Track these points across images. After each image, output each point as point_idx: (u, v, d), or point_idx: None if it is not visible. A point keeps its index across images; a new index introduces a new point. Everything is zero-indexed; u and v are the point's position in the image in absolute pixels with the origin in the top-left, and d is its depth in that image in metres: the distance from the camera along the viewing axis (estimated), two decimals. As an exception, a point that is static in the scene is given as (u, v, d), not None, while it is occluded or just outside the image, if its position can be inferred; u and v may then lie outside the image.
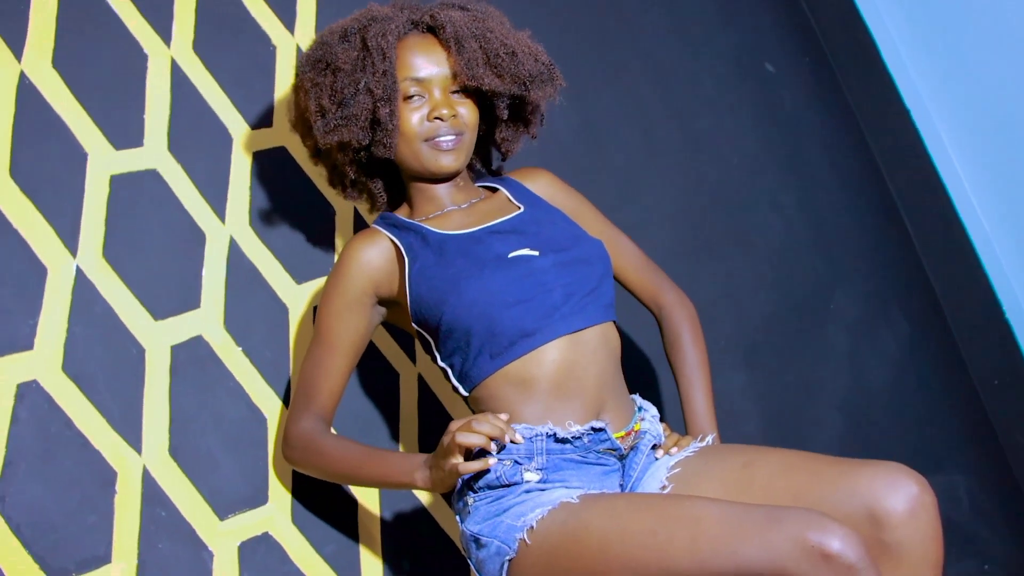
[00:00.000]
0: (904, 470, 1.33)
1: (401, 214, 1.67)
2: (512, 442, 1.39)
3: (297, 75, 1.64)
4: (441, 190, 1.64)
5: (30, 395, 1.54)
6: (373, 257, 1.57)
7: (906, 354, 2.72)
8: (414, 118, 1.56)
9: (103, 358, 1.61)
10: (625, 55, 2.47)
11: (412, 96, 1.56)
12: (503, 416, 1.40)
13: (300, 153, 1.85)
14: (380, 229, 1.61)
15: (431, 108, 1.56)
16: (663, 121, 2.48)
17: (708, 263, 2.38)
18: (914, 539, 1.30)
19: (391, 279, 1.57)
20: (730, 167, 2.56)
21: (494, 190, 1.70)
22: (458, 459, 1.36)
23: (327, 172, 1.72)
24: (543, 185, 1.71)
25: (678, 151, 2.47)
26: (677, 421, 1.77)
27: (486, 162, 1.80)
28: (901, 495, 1.31)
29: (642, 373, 2.17)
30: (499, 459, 1.42)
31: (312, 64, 1.58)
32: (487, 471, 1.41)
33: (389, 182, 1.72)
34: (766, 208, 2.58)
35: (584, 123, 2.31)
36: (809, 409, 2.44)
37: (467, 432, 1.35)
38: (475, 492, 1.44)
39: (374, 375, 1.82)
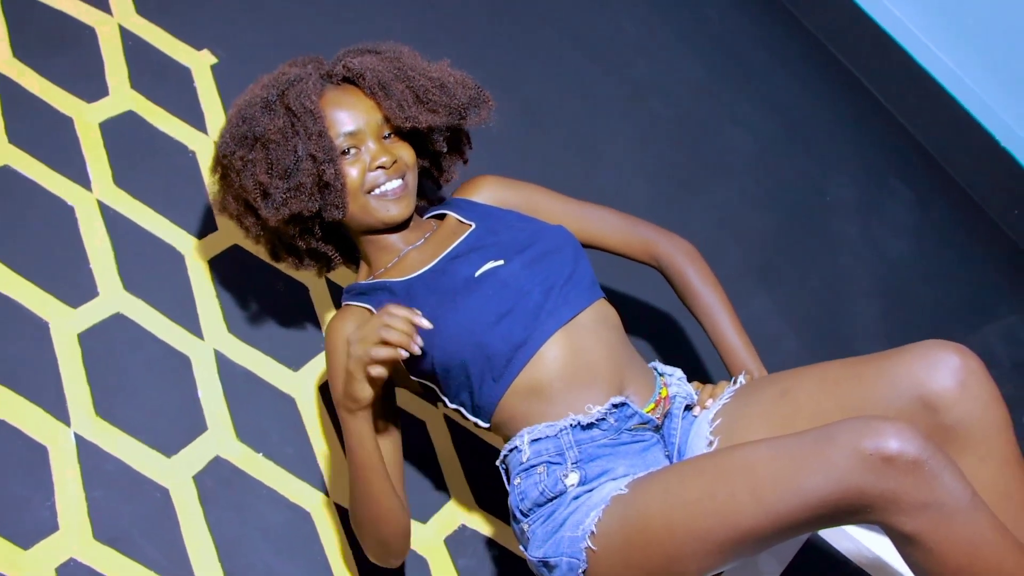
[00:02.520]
0: (940, 344, 1.27)
1: (361, 278, 1.63)
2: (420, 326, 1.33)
3: (221, 156, 1.56)
4: (393, 237, 1.59)
5: (72, 574, 1.51)
6: (350, 327, 1.51)
7: (919, 217, 2.65)
8: (353, 173, 1.51)
9: (131, 512, 1.58)
10: (541, 27, 2.43)
11: (347, 151, 1.51)
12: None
13: (249, 243, 1.82)
14: (350, 303, 1.56)
15: (370, 159, 1.52)
16: (599, 80, 2.43)
17: (692, 201, 2.33)
18: (974, 411, 1.24)
19: None
20: (680, 101, 2.51)
21: (442, 216, 1.65)
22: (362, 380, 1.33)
23: (268, 248, 1.67)
24: (488, 192, 1.66)
25: (623, 104, 2.42)
26: (716, 370, 1.72)
27: (425, 194, 1.76)
28: (944, 371, 1.25)
29: (663, 338, 2.11)
30: (532, 468, 1.39)
31: (238, 142, 1.51)
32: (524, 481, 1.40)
33: (339, 242, 1.67)
34: (730, 127, 2.52)
35: (522, 108, 2.27)
36: (841, 306, 2.37)
37: (371, 351, 1.30)
38: (527, 516, 1.39)
39: (403, 431, 1.78)
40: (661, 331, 2.10)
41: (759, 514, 1.13)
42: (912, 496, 1.06)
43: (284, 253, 1.66)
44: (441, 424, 1.81)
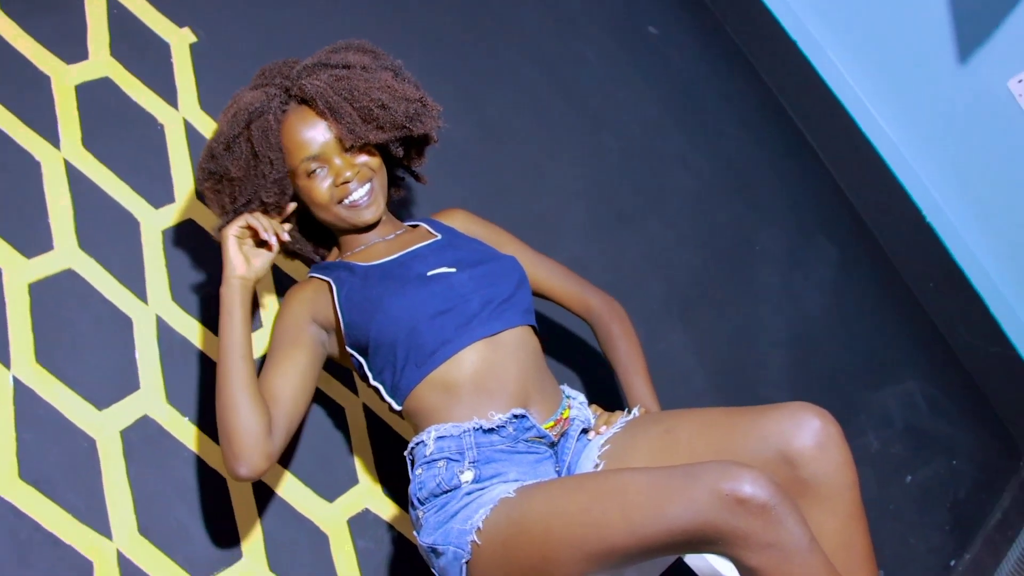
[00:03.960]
0: (806, 407, 1.42)
1: (330, 258, 1.82)
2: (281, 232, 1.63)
3: (197, 183, 1.76)
4: (362, 233, 1.78)
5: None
6: (307, 294, 1.70)
7: (840, 277, 2.81)
8: (323, 188, 1.68)
9: (58, 458, 1.67)
10: (506, 50, 2.54)
11: (314, 171, 1.68)
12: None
13: (207, 221, 1.93)
14: (313, 275, 1.76)
15: (335, 175, 1.68)
16: (556, 104, 2.56)
17: (627, 233, 2.46)
18: (827, 470, 1.38)
19: (326, 309, 1.68)
20: (632, 135, 2.64)
21: (415, 226, 1.84)
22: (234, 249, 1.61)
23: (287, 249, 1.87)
24: (459, 221, 1.87)
25: (577, 130, 2.55)
26: (608, 405, 1.85)
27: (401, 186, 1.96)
28: (807, 432, 1.40)
29: (576, 367, 2.25)
30: (433, 462, 1.52)
31: (207, 176, 1.70)
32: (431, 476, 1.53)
33: (316, 235, 1.86)
34: (676, 167, 2.66)
35: (480, 123, 2.39)
36: (753, 352, 2.52)
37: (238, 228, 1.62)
38: (423, 504, 1.52)
39: (322, 414, 1.90)
40: (578, 362, 2.24)
41: (626, 533, 1.26)
42: (758, 535, 1.19)
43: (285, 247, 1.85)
44: (359, 412, 1.93)
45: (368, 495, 1.87)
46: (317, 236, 1.87)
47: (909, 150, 2.88)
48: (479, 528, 1.41)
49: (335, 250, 1.83)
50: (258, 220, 1.64)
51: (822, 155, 2.99)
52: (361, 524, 1.84)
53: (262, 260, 1.64)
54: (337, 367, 1.93)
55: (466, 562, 1.42)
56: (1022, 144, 2.67)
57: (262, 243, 1.66)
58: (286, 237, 1.67)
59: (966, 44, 2.67)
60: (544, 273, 1.89)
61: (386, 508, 1.87)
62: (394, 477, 1.90)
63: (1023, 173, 2.70)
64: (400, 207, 2.13)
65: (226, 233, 1.63)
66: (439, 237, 1.78)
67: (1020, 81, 2.62)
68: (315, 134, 1.67)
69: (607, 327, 1.85)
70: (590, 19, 2.76)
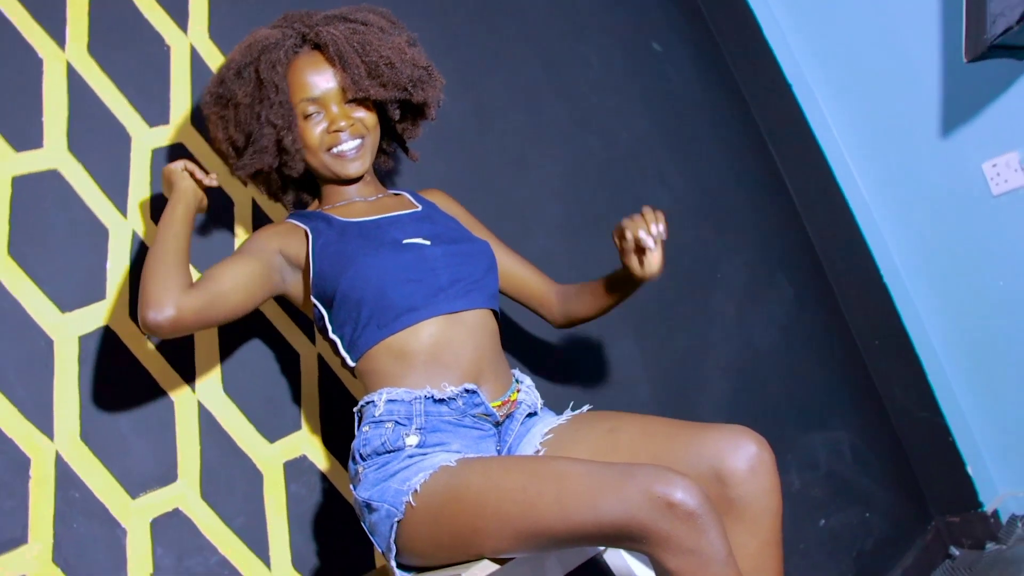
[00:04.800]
0: (745, 432, 1.48)
1: (310, 209, 1.85)
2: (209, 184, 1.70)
3: (203, 108, 1.79)
4: (348, 187, 1.82)
5: (-58, 390, 1.62)
6: (282, 230, 1.74)
7: (792, 318, 2.88)
8: (316, 132, 1.73)
9: (13, 351, 1.69)
10: (513, 37, 2.59)
11: (311, 114, 1.72)
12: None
13: (197, 149, 1.95)
14: (290, 220, 1.79)
15: (330, 122, 1.73)
16: (551, 101, 2.60)
17: (596, 237, 2.51)
18: (755, 493, 1.45)
19: (298, 252, 1.72)
20: (618, 144, 2.70)
21: (398, 195, 1.88)
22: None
23: (259, 190, 1.89)
24: (440, 200, 1.92)
25: (566, 129, 2.60)
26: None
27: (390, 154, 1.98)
28: (742, 455, 1.46)
29: (548, 340, 2.30)
30: (380, 423, 1.56)
31: (214, 100, 1.74)
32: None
33: (304, 184, 1.88)
34: (654, 182, 2.72)
35: (475, 106, 2.43)
36: (698, 373, 2.59)
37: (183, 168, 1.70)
38: (364, 460, 1.56)
39: (276, 357, 1.93)
40: (531, 348, 2.29)
41: (557, 517, 1.32)
42: (681, 540, 1.25)
43: (260, 189, 1.86)
44: (313, 362, 1.96)
45: (307, 443, 1.91)
46: (301, 184, 1.90)
47: (879, 210, 2.96)
48: (416, 491, 1.45)
49: (315, 201, 1.87)
50: (194, 164, 1.72)
51: (796, 199, 3.07)
52: (296, 469, 1.88)
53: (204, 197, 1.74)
54: (299, 315, 1.97)
55: (398, 521, 1.47)
56: (986, 225, 2.76)
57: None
58: (215, 183, 1.73)
59: (951, 120, 2.75)
60: (511, 262, 1.94)
61: (322, 459, 1.91)
62: (335, 431, 1.94)
63: (983, 252, 2.79)
64: (385, 177, 2.17)
65: (167, 169, 1.72)
66: (419, 208, 1.83)
67: (994, 165, 2.71)
68: (320, 79, 1.71)
69: (567, 289, 1.92)
70: (598, 24, 2.80)
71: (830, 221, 3.04)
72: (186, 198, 1.67)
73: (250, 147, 1.71)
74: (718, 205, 2.85)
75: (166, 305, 1.49)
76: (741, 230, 2.88)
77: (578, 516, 1.30)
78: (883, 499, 2.86)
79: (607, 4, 2.85)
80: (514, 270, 1.94)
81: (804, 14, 2.98)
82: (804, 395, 2.84)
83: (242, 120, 1.70)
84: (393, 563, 1.51)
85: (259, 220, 2.01)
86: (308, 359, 1.96)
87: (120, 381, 1.77)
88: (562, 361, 2.32)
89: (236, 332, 1.89)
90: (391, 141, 1.97)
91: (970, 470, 2.89)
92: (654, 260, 1.70)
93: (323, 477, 1.90)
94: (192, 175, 1.72)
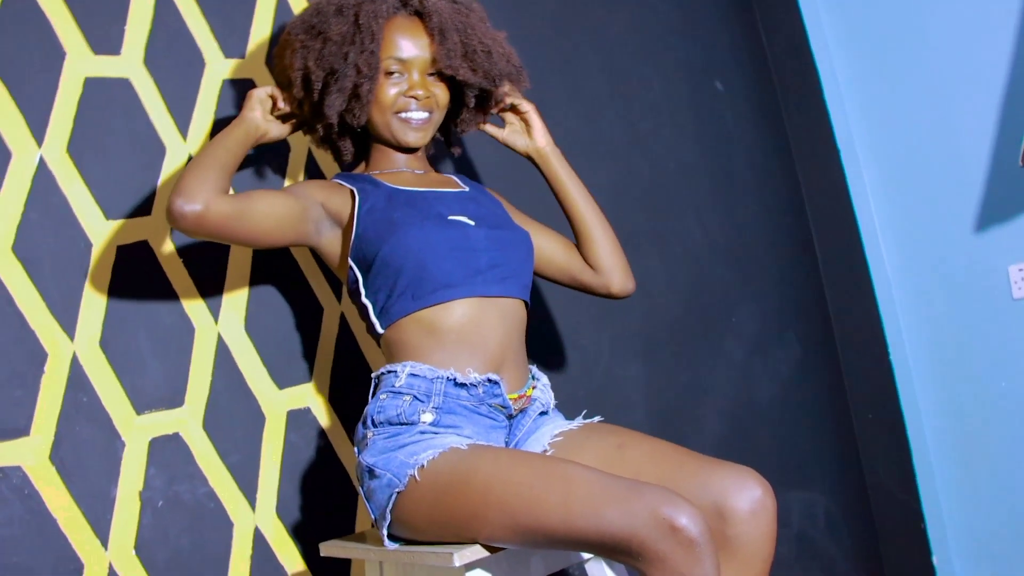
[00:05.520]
0: (753, 475, 1.50)
1: (357, 172, 1.85)
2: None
3: (287, 33, 1.77)
4: (400, 155, 1.82)
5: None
6: (327, 184, 1.75)
7: (794, 376, 2.91)
8: (391, 92, 1.73)
9: (52, 246, 1.71)
10: (583, 45, 2.61)
11: (392, 72, 1.73)
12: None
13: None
14: (335, 179, 1.79)
15: (408, 87, 1.73)
16: (609, 115, 2.62)
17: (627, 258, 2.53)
18: (752, 536, 1.47)
19: (341, 207, 1.72)
20: (665, 171, 2.72)
21: (446, 176, 1.90)
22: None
23: (309, 133, 1.85)
24: (486, 189, 1.94)
25: (618, 146, 2.62)
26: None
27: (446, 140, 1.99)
28: (746, 496, 1.48)
29: (559, 346, 2.32)
30: (399, 394, 1.57)
31: (305, 28, 1.72)
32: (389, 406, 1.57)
33: (355, 140, 1.87)
34: (690, 214, 2.74)
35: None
36: (694, 410, 2.61)
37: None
38: (375, 426, 1.58)
39: (300, 306, 1.95)
40: (541, 349, 2.31)
41: (560, 519, 1.34)
42: (677, 564, 1.27)
43: (307, 131, 1.84)
44: (335, 320, 1.98)
45: (314, 396, 1.92)
46: (352, 138, 1.89)
47: (899, 289, 2.99)
48: (422, 466, 1.47)
49: (363, 165, 1.87)
50: (280, 94, 1.74)
51: (821, 260, 3.10)
52: (299, 420, 1.90)
53: (276, 126, 1.74)
54: (331, 271, 1.98)
55: (398, 492, 1.48)
56: (1001, 326, 2.79)
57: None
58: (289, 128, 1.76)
59: (988, 218, 2.78)
60: (560, 242, 1.94)
61: (324, 415, 1.93)
62: (341, 391, 1.96)
63: (992, 352, 2.81)
64: (433, 160, 2.18)
65: (254, 91, 1.71)
66: (466, 190, 1.84)
67: (1021, 269, 2.74)
68: (413, 44, 1.73)
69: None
70: (668, 51, 2.83)
71: (850, 289, 3.07)
72: (248, 125, 1.68)
73: (326, 85, 1.70)
74: (746, 250, 2.87)
75: (197, 199, 1.50)
76: (763, 279, 2.90)
77: (581, 521, 1.32)
78: (846, 571, 2.89)
79: (681, 34, 2.87)
80: (567, 254, 1.94)
81: (868, 84, 3.01)
82: (791, 452, 2.86)
83: (327, 55, 1.69)
84: (384, 531, 1.52)
85: (311, 170, 2.02)
86: (330, 316, 1.98)
87: (148, 297, 1.79)
88: (567, 367, 2.34)
89: (267, 272, 1.91)
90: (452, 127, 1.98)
91: (935, 560, 2.92)
92: (535, 119, 1.91)
93: (322, 433, 1.92)
94: (274, 102, 1.73)
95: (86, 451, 1.68)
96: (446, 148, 1.99)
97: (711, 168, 2.84)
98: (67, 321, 1.70)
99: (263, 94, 1.72)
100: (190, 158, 1.86)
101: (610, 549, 1.32)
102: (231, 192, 1.61)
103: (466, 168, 2.26)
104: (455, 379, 1.59)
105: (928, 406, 2.97)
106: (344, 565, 1.90)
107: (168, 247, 1.81)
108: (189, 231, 1.51)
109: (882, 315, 3.01)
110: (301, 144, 2.01)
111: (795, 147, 3.13)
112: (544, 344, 2.32)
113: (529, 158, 1.94)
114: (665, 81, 2.79)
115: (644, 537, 1.28)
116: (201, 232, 1.52)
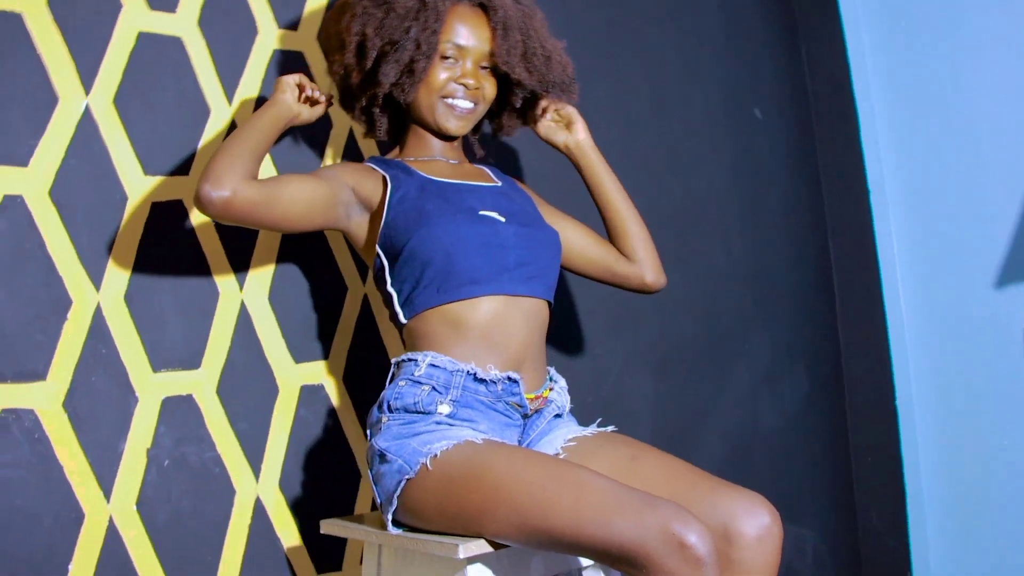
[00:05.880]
0: (763, 502, 1.51)
1: (390, 156, 1.85)
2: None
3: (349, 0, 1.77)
4: (437, 142, 1.83)
5: (14, 209, 1.64)
6: (360, 167, 1.75)
7: (799, 409, 2.91)
8: (442, 75, 1.74)
9: (88, 194, 1.71)
10: (629, 56, 2.61)
11: (448, 57, 1.74)
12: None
13: (315, 62, 1.97)
14: (368, 163, 1.79)
15: (461, 74, 1.74)
16: (647, 130, 2.62)
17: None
18: (756, 562, 1.47)
19: (372, 192, 1.72)
20: (695, 191, 2.72)
21: (480, 168, 1.90)
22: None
23: (338, 93, 1.84)
24: (520, 183, 1.96)
25: (652, 162, 2.62)
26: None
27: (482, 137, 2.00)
28: (755, 522, 1.48)
29: (571, 352, 2.32)
30: (418, 383, 1.57)
31: None
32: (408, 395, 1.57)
33: (393, 120, 1.87)
34: (716, 238, 2.74)
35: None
36: (697, 430, 2.61)
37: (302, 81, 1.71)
38: (391, 412, 1.58)
39: (325, 283, 1.95)
40: (568, 352, 2.31)
41: (569, 523, 1.34)
42: (680, 580, 1.27)
43: (347, 103, 1.84)
44: (358, 301, 1.98)
45: (328, 375, 1.92)
46: (390, 116, 1.88)
47: (913, 335, 2.99)
48: (435, 456, 1.47)
49: (397, 150, 1.87)
50: (308, 81, 1.73)
51: (838, 299, 3.09)
52: (311, 396, 1.90)
53: (306, 109, 1.73)
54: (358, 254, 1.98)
55: (408, 478, 1.48)
56: (1011, 386, 2.78)
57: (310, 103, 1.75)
58: (321, 101, 1.75)
59: (1011, 274, 2.77)
60: (590, 241, 1.96)
61: (336, 395, 1.93)
62: (356, 373, 1.96)
63: (999, 410, 2.80)
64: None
65: (283, 77, 1.71)
66: (499, 184, 1.84)
67: (1035, 330, 2.74)
68: (473, 34, 1.74)
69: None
70: (713, 72, 2.83)
71: (864, 331, 3.06)
72: (280, 107, 1.68)
73: (382, 54, 1.70)
74: (765, 279, 2.87)
75: (225, 185, 1.50)
76: (779, 310, 2.90)
77: (590, 527, 1.32)
78: (828, 609, 2.89)
79: (726, 58, 2.87)
80: (594, 245, 1.96)
81: (905, 129, 3.00)
82: (787, 485, 2.86)
83: (388, 25, 1.69)
84: (389, 516, 1.52)
85: (350, 150, 2.03)
86: (353, 297, 1.98)
87: (177, 257, 1.79)
88: (579, 373, 2.34)
89: (296, 246, 1.91)
90: (492, 124, 1.98)
91: (919, 609, 2.92)
92: (576, 116, 1.93)
93: (332, 412, 1.92)
94: (301, 89, 1.72)
95: (99, 402, 1.68)
96: (476, 149, 2.00)
97: (741, 194, 2.84)
98: (95, 271, 1.70)
99: (292, 81, 1.71)
100: (233, 124, 1.86)
101: (615, 558, 1.32)
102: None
103: (497, 161, 2.26)
104: (475, 374, 1.59)
105: (928, 456, 2.96)
106: (339, 546, 1.90)
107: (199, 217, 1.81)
108: (217, 216, 1.51)
109: (893, 360, 3.00)
110: (343, 123, 2.01)
111: (825, 183, 3.13)
112: (560, 348, 2.32)
113: (568, 152, 1.95)
114: (706, 102, 2.79)
115: (652, 550, 1.28)
116: (228, 218, 1.52)
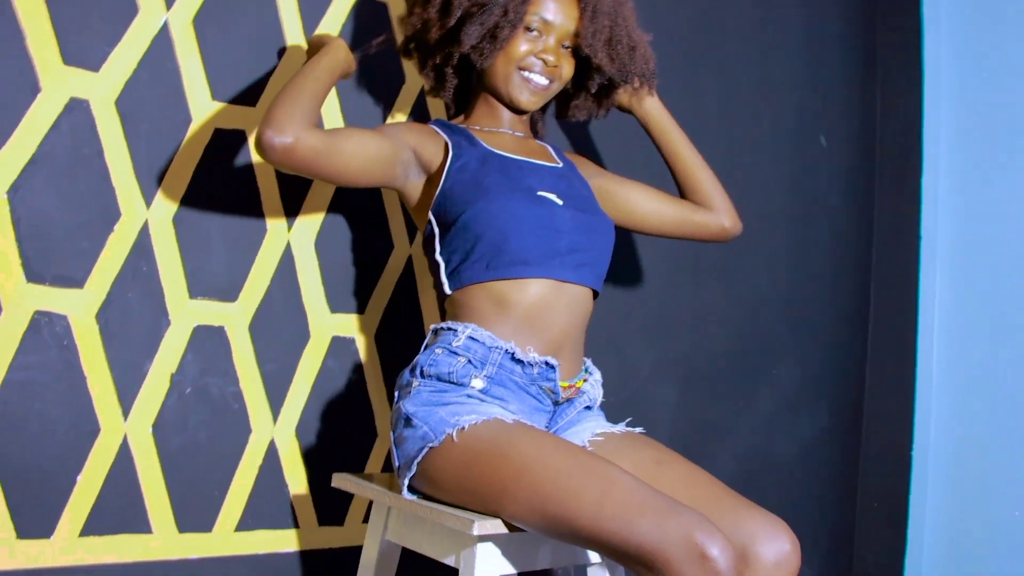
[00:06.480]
0: (785, 528, 1.48)
1: (456, 122, 1.82)
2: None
3: None
4: (506, 113, 1.80)
5: (78, 112, 1.62)
6: (423, 129, 1.72)
7: (815, 442, 2.87)
8: (523, 47, 1.71)
9: (154, 109, 1.69)
10: (703, 69, 2.57)
11: (532, 29, 1.71)
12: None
13: (399, 13, 1.95)
14: (432, 124, 1.77)
15: (542, 49, 1.72)
16: (710, 137, 2.57)
17: (691, 286, 2.50)
18: (769, 584, 1.44)
19: (433, 156, 1.69)
20: (749, 207, 2.66)
21: (542, 145, 1.87)
22: None
23: (418, 55, 1.82)
24: (579, 162, 1.92)
25: (714, 170, 2.57)
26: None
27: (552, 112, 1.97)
28: (774, 548, 1.45)
29: (602, 349, 2.29)
30: (455, 354, 1.55)
31: None
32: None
33: (461, 86, 1.85)
34: (761, 258, 2.71)
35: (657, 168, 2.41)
36: (712, 446, 2.58)
37: None
38: (424, 378, 1.55)
39: (372, 238, 1.92)
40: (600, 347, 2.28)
41: (590, 516, 1.31)
42: (698, 592, 1.25)
43: (416, 53, 1.82)
44: (401, 261, 1.96)
45: (361, 330, 1.90)
46: (459, 80, 1.86)
47: (940, 390, 2.94)
48: (463, 428, 1.44)
49: (462, 117, 1.85)
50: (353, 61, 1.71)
51: (871, 339, 3.06)
52: (341, 347, 1.88)
53: (354, 66, 1.71)
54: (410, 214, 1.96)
55: (431, 446, 1.46)
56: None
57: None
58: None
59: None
60: (661, 193, 1.96)
61: (365, 351, 1.91)
62: (389, 332, 1.94)
63: (1016, 478, 2.77)
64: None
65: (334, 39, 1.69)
66: (560, 165, 1.81)
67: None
68: (561, 12, 1.72)
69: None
70: (785, 92, 2.79)
71: (892, 375, 3.02)
72: (338, 54, 1.64)
73: (468, 15, 1.67)
74: (804, 308, 2.84)
75: (287, 131, 1.46)
76: (812, 341, 2.87)
77: (611, 524, 1.29)
78: (812, 647, 2.86)
79: (803, 81, 2.83)
80: (667, 202, 1.96)
81: (968, 182, 2.95)
82: (789, 515, 2.77)
83: None
84: (406, 481, 1.50)
85: (419, 109, 2.00)
86: (398, 256, 1.96)
87: (232, 187, 1.77)
88: (607, 370, 2.31)
89: (349, 196, 1.89)
90: (565, 105, 1.95)
91: (902, 662, 2.89)
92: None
93: (359, 368, 1.90)
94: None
95: (132, 319, 1.66)
96: (539, 127, 1.97)
97: (793, 218, 2.80)
98: (148, 188, 1.68)
99: (343, 42, 1.69)
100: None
101: (631, 559, 1.29)
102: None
103: (556, 133, 2.23)
104: (513, 354, 1.57)
105: (935, 512, 2.93)
106: (344, 501, 1.88)
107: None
108: (277, 163, 1.48)
109: (916, 410, 2.96)
110: (416, 80, 1.99)
111: (878, 223, 3.08)
112: (592, 342, 2.28)
113: (632, 109, 1.96)
114: (774, 121, 2.76)
115: (671, 557, 1.25)
116: (289, 165, 1.48)
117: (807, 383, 2.84)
